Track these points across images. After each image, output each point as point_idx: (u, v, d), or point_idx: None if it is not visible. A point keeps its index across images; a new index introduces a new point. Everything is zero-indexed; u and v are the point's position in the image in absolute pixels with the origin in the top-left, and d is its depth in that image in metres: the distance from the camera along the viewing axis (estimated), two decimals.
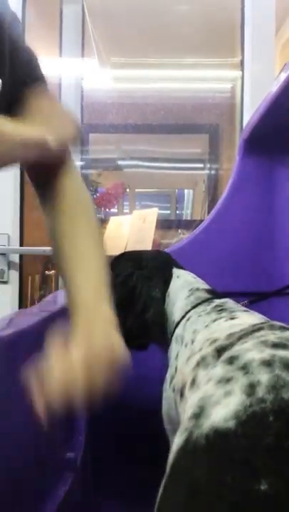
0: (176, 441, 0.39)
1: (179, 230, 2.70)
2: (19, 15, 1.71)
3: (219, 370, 0.42)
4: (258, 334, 0.48)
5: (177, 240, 2.22)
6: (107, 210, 2.82)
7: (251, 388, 0.37)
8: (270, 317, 0.66)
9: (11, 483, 0.52)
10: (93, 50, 2.63)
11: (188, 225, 3.00)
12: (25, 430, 0.57)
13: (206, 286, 0.85)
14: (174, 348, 0.75)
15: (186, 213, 3.64)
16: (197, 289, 0.82)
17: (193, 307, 0.77)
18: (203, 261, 1.19)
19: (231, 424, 0.34)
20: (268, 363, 0.39)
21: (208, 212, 1.33)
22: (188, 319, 0.75)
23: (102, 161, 2.99)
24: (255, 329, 0.51)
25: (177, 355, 0.72)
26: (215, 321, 0.68)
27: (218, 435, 0.34)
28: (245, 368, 0.40)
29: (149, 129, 2.93)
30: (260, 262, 1.19)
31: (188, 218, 3.52)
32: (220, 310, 0.71)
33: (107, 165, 3.00)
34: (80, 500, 0.83)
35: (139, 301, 0.84)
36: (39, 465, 0.65)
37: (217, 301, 0.76)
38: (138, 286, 0.85)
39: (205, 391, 0.40)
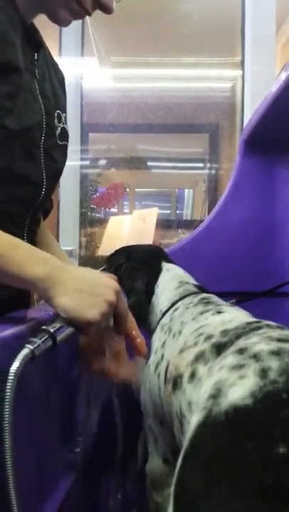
0: (195, 419, 0.42)
1: (179, 230, 2.70)
2: None
3: (231, 359, 0.46)
4: (260, 332, 0.52)
5: (177, 240, 2.22)
6: (107, 209, 2.82)
7: (264, 372, 0.41)
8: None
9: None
10: (93, 49, 2.63)
11: (188, 225, 3.00)
12: (25, 431, 0.57)
13: (195, 282, 0.88)
14: (159, 335, 0.78)
15: (186, 213, 3.64)
16: (186, 283, 0.86)
17: (181, 298, 0.80)
18: (203, 261, 1.19)
19: (249, 401, 0.38)
20: (276, 353, 0.44)
21: (208, 212, 1.33)
22: (175, 309, 0.79)
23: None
24: (254, 328, 0.55)
25: (164, 343, 0.75)
26: (202, 313, 0.71)
27: (237, 411, 0.38)
28: (256, 357, 0.44)
29: (149, 128, 2.93)
30: (260, 262, 1.19)
31: (188, 218, 3.53)
32: (206, 303, 0.75)
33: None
34: (80, 500, 0.83)
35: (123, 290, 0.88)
36: (39, 466, 0.65)
37: (203, 295, 0.79)
38: (124, 276, 0.88)
39: (219, 376, 0.44)
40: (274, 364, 0.42)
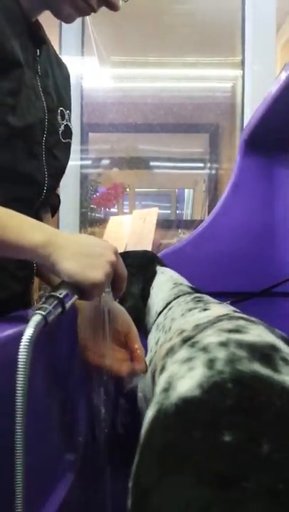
0: (148, 414, 0.43)
1: (179, 230, 2.70)
2: None
3: (183, 353, 0.47)
4: (217, 324, 0.54)
5: (177, 240, 2.22)
6: (107, 209, 2.82)
7: (211, 362, 0.42)
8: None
9: (10, 484, 0.52)
10: (93, 48, 2.62)
11: (189, 225, 3.00)
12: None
13: (189, 284, 0.90)
14: (155, 334, 0.80)
15: (186, 213, 3.64)
16: (181, 284, 0.88)
17: (175, 298, 0.82)
18: (203, 261, 1.19)
19: (196, 392, 0.40)
20: (224, 344, 0.45)
21: (208, 212, 1.33)
22: (170, 309, 0.80)
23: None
24: (217, 320, 0.56)
25: (158, 341, 0.77)
26: (190, 310, 0.72)
27: (186, 402, 0.40)
28: (205, 349, 0.45)
29: (149, 128, 2.93)
30: (260, 262, 1.19)
31: (189, 218, 3.52)
32: (198, 301, 0.76)
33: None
34: (80, 501, 0.83)
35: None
36: (39, 466, 0.65)
37: (197, 294, 0.81)
38: None
39: (171, 370, 0.45)
40: (221, 354, 0.43)
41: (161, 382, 0.45)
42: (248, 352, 0.42)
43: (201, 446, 0.36)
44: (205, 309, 0.70)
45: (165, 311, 0.81)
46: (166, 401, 0.41)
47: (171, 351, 0.59)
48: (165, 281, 0.89)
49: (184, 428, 0.38)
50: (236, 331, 0.48)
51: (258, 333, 0.47)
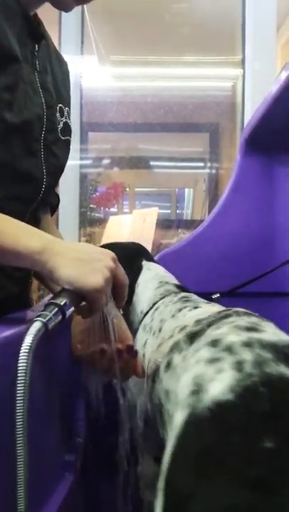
0: (179, 417, 0.43)
1: (179, 230, 2.70)
2: None
3: (205, 352, 0.47)
4: (228, 320, 0.53)
5: (177, 240, 2.22)
6: (107, 209, 2.81)
7: (239, 365, 0.42)
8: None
9: (10, 485, 0.52)
10: (93, 47, 2.62)
11: (189, 224, 3.00)
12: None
13: (175, 282, 0.87)
14: (142, 335, 0.78)
15: (187, 213, 3.63)
16: (167, 283, 0.85)
17: (161, 298, 0.80)
18: (204, 261, 1.18)
19: (230, 396, 0.40)
20: (247, 344, 0.45)
21: (209, 212, 1.32)
22: (156, 309, 0.78)
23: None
24: (223, 316, 0.56)
25: (145, 342, 0.75)
26: (180, 310, 0.71)
27: (221, 406, 0.40)
28: (229, 349, 0.45)
29: (149, 127, 2.92)
30: (260, 262, 1.18)
31: (189, 218, 3.52)
32: (185, 300, 0.75)
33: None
34: (80, 502, 0.82)
35: None
36: (38, 468, 0.65)
37: (183, 293, 0.79)
38: None
39: (196, 371, 0.45)
40: (247, 356, 0.43)
41: (186, 383, 0.45)
42: (272, 353, 0.43)
43: (240, 452, 0.36)
44: (196, 307, 0.70)
45: (151, 311, 0.79)
46: (199, 404, 0.41)
47: (176, 347, 0.58)
48: (150, 279, 0.86)
49: (221, 433, 0.38)
50: (254, 329, 0.48)
51: (274, 332, 0.48)
